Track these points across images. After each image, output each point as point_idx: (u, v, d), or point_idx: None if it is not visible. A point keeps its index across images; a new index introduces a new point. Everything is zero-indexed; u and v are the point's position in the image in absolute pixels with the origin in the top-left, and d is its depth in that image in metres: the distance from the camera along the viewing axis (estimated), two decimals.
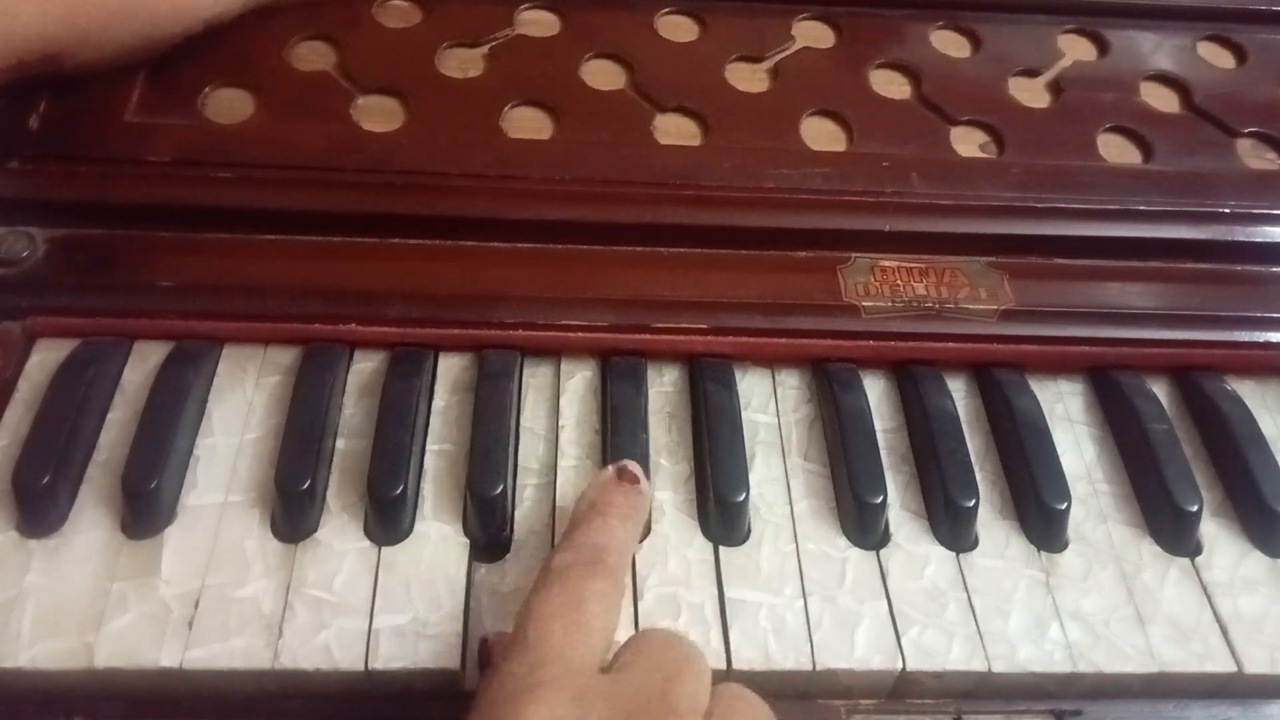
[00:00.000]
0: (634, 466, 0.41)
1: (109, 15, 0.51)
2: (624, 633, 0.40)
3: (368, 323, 0.48)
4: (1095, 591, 0.44)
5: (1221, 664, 0.42)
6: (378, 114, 0.54)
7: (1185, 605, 0.43)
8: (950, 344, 0.50)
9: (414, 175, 0.51)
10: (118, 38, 0.52)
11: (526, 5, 0.61)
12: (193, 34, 0.55)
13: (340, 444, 0.45)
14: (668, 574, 0.43)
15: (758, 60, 0.60)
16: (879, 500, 0.44)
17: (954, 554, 0.44)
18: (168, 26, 0.53)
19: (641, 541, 0.43)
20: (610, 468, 0.41)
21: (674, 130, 0.56)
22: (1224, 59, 0.64)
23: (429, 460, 0.45)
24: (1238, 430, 0.48)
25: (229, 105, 0.54)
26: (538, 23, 0.60)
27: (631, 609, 0.41)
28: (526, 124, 0.55)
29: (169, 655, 0.39)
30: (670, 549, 0.43)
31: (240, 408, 0.46)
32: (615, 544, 0.38)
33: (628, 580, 0.41)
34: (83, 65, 0.52)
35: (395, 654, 0.40)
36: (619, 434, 0.46)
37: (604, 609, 0.35)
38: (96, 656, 0.39)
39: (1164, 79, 0.62)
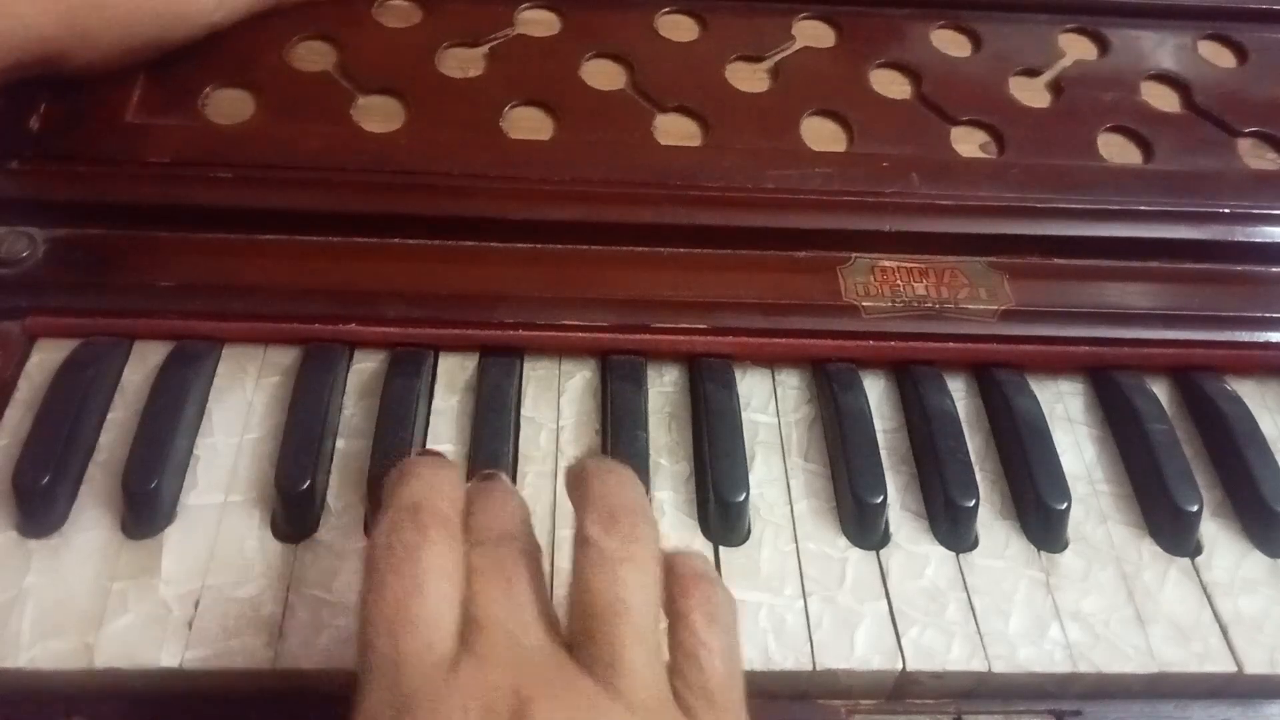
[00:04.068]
0: (435, 449, 0.40)
1: (110, 17, 0.51)
2: None
3: (368, 323, 0.48)
4: (1095, 591, 0.44)
5: (1221, 664, 0.42)
6: (378, 114, 0.54)
7: (1185, 605, 0.43)
8: (950, 344, 0.50)
9: (414, 175, 0.51)
10: (119, 40, 0.52)
11: (526, 5, 0.61)
12: (195, 39, 0.55)
13: (340, 444, 0.45)
14: None
15: (758, 60, 0.60)
16: (879, 500, 0.44)
17: (954, 554, 0.44)
18: (169, 31, 0.53)
19: None
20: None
21: (674, 130, 0.55)
22: (1225, 58, 0.64)
23: None
24: (1238, 430, 0.48)
25: (229, 105, 0.54)
26: (538, 22, 0.60)
27: None
28: (526, 124, 0.55)
29: (169, 655, 0.39)
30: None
31: (240, 408, 0.46)
32: (438, 491, 0.35)
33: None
34: (84, 67, 0.52)
35: None
36: (619, 434, 0.46)
37: (448, 579, 0.32)
38: (96, 656, 0.39)
39: (1164, 78, 0.62)
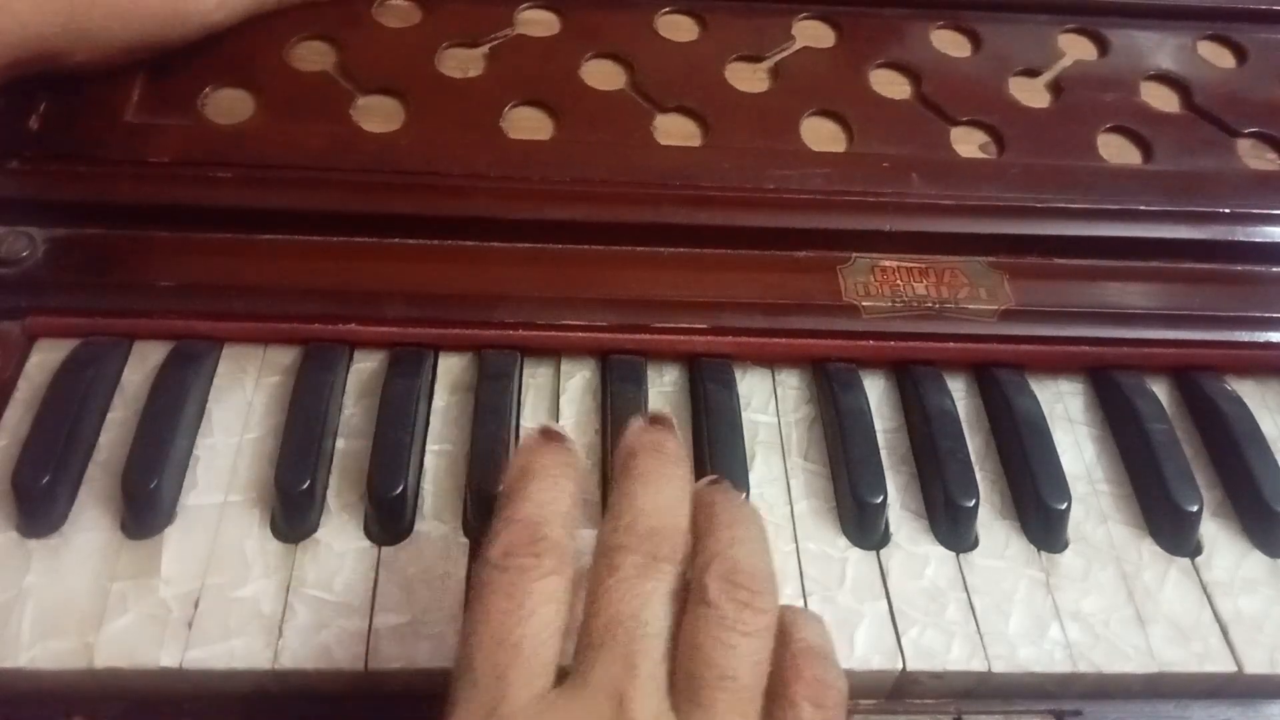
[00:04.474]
0: (556, 426, 0.39)
1: (109, 16, 0.51)
2: None
3: (368, 323, 0.48)
4: (1095, 591, 0.44)
5: (1221, 664, 0.42)
6: (378, 114, 0.54)
7: (1185, 605, 0.43)
8: (950, 344, 0.50)
9: (414, 175, 0.51)
10: (118, 39, 0.52)
11: (526, 5, 0.61)
12: (194, 40, 0.55)
13: (340, 444, 0.45)
14: None
15: (758, 60, 0.60)
16: (879, 500, 0.44)
17: (954, 554, 0.44)
18: (169, 30, 0.53)
19: None
20: (533, 432, 0.38)
21: (674, 130, 0.56)
22: (1224, 58, 0.64)
23: (429, 460, 0.45)
24: (1238, 430, 0.48)
25: (229, 105, 0.54)
26: (538, 22, 0.60)
27: None
28: (526, 124, 0.55)
29: (169, 655, 0.39)
30: None
31: (240, 408, 0.46)
32: (555, 511, 0.35)
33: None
34: (82, 65, 0.51)
35: (395, 654, 0.40)
36: (619, 434, 0.45)
37: (555, 606, 0.33)
38: (96, 656, 0.39)
39: (1164, 79, 0.62)
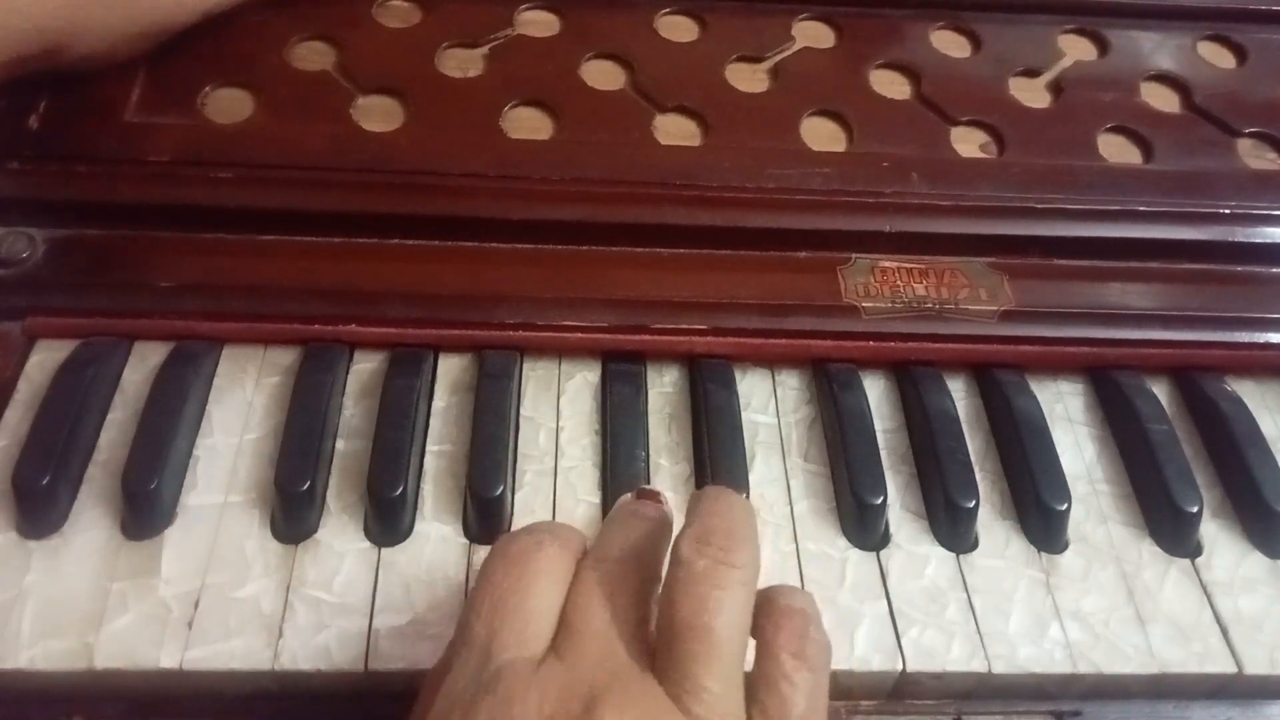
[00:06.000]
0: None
1: (108, 3, 0.51)
2: None
3: (368, 323, 0.48)
4: (1095, 592, 0.44)
5: (1221, 664, 0.42)
6: (378, 114, 0.54)
7: (1185, 605, 0.43)
8: (950, 344, 0.50)
9: (414, 175, 0.51)
10: (119, 26, 0.52)
11: (526, 5, 0.61)
12: (192, 26, 0.55)
13: (340, 444, 0.45)
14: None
15: (758, 60, 0.60)
16: (879, 500, 0.44)
17: (954, 554, 0.44)
18: (167, 15, 0.53)
19: None
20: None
21: (674, 130, 0.56)
22: (1224, 59, 0.64)
23: (429, 460, 0.45)
24: (1238, 430, 0.48)
25: (229, 105, 0.54)
26: (538, 23, 0.60)
27: None
28: (526, 124, 0.55)
29: (169, 655, 0.39)
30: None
31: (240, 408, 0.46)
32: (566, 528, 0.37)
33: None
34: (83, 58, 0.51)
35: (395, 654, 0.40)
36: (618, 434, 0.46)
37: (553, 584, 0.34)
38: (96, 657, 0.39)
39: (1164, 79, 0.62)
